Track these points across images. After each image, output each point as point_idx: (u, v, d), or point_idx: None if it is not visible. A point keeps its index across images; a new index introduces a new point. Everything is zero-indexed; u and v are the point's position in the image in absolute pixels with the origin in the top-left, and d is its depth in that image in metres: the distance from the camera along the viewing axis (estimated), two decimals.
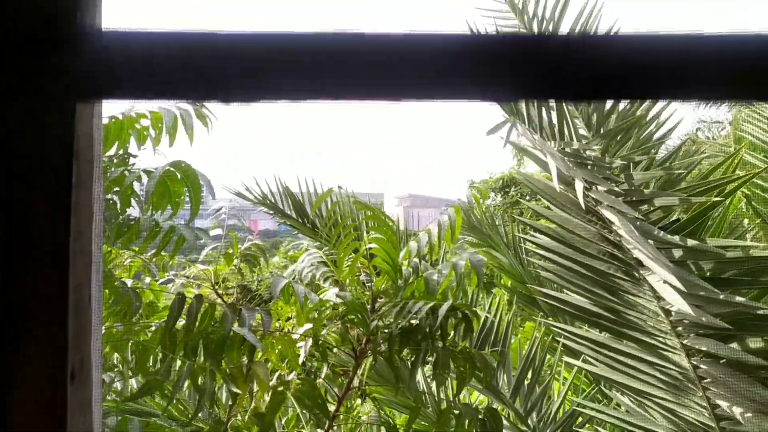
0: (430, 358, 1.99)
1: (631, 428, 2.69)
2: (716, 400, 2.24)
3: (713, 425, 2.32)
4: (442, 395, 3.44)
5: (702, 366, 2.22)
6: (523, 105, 2.07)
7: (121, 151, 1.70)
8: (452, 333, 1.87)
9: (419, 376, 3.00)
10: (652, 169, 2.40)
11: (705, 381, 2.23)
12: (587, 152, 2.09)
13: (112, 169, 1.64)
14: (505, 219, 4.59)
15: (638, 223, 2.07)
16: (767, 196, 3.96)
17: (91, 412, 0.71)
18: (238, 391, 1.60)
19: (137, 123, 1.74)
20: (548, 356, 3.81)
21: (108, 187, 1.61)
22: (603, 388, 3.63)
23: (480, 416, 1.89)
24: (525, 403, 3.48)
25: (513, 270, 4.33)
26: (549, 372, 3.78)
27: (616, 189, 1.95)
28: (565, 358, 3.82)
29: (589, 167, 1.96)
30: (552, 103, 1.92)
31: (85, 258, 0.70)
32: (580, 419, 3.45)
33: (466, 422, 1.87)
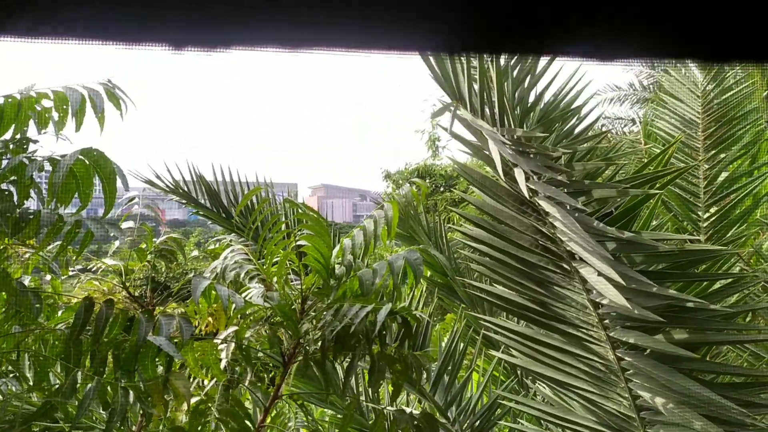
0: (361, 363, 1.88)
1: (549, 419, 2.69)
2: (638, 392, 2.25)
3: (633, 416, 2.34)
4: (363, 395, 3.35)
5: (626, 358, 2.23)
6: (465, 91, 1.98)
7: (18, 136, 1.49)
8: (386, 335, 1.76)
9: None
10: (582, 161, 2.38)
11: (628, 373, 2.24)
12: (527, 141, 2.03)
13: (8, 155, 1.43)
14: (420, 209, 4.55)
15: (577, 214, 2.03)
16: (678, 191, 4.10)
17: None
18: (152, 411, 1.42)
19: (38, 104, 1.52)
20: (468, 347, 3.80)
21: (3, 176, 1.40)
22: (525, 379, 3.66)
23: (415, 422, 1.79)
24: (445, 395, 3.46)
25: (433, 260, 4.30)
26: (469, 364, 3.78)
27: (559, 179, 1.89)
28: (488, 351, 3.82)
29: (531, 156, 1.89)
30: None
31: None
32: (499, 410, 3.46)
33: (401, 429, 1.77)
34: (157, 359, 1.49)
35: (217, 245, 2.26)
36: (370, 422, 3.39)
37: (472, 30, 0.43)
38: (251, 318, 1.77)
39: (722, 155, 4.14)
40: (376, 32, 0.43)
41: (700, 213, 4.14)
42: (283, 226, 1.88)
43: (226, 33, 0.38)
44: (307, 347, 1.78)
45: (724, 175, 4.11)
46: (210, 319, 1.92)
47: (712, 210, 4.11)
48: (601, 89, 13.00)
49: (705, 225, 4.10)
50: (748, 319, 3.40)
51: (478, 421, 3.47)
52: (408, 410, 1.86)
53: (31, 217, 1.43)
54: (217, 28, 0.38)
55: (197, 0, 0.35)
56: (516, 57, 2.12)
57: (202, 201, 3.63)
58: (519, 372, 3.76)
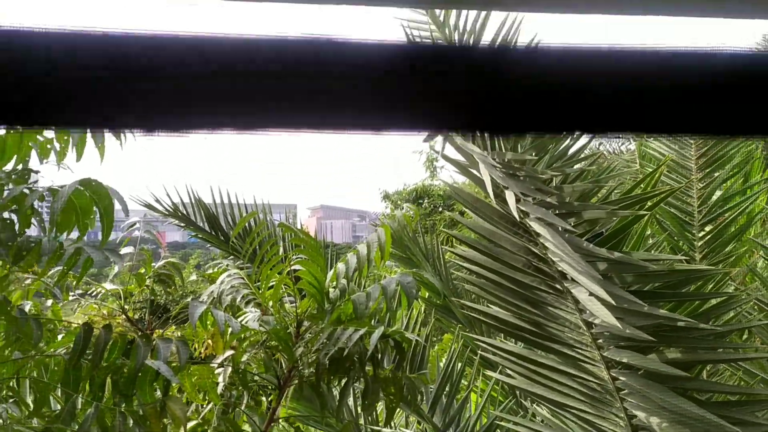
0: (357, 384, 1.91)
1: None
2: (633, 411, 2.27)
3: None
4: (362, 417, 3.37)
5: (621, 378, 2.25)
6: None
7: (20, 166, 1.53)
8: (380, 358, 1.79)
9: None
10: (572, 183, 2.42)
11: (623, 392, 2.26)
12: (517, 164, 2.07)
13: (9, 185, 1.47)
14: (418, 230, 4.58)
15: (567, 235, 2.07)
16: (672, 211, 4.13)
17: None
18: None
19: (39, 135, 1.57)
20: (466, 368, 3.82)
21: (5, 206, 1.44)
22: (521, 399, 3.67)
23: None
24: (443, 416, 3.47)
25: (430, 282, 4.32)
26: (467, 384, 3.79)
27: (548, 200, 1.93)
28: (486, 371, 3.84)
29: (521, 178, 1.93)
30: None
31: None
32: (498, 431, 3.47)
33: None
34: (154, 383, 1.52)
35: (215, 269, 2.30)
36: None
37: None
38: (248, 342, 1.81)
39: (716, 174, 4.18)
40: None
41: (694, 232, 4.17)
42: (280, 250, 1.92)
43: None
44: (303, 370, 1.81)
45: (717, 194, 4.15)
46: (210, 341, 1.94)
47: (707, 228, 4.14)
48: None
49: (700, 244, 4.13)
50: (744, 337, 3.43)
51: None
52: None
53: (33, 245, 1.47)
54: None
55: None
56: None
57: (201, 224, 3.67)
58: (517, 393, 3.77)
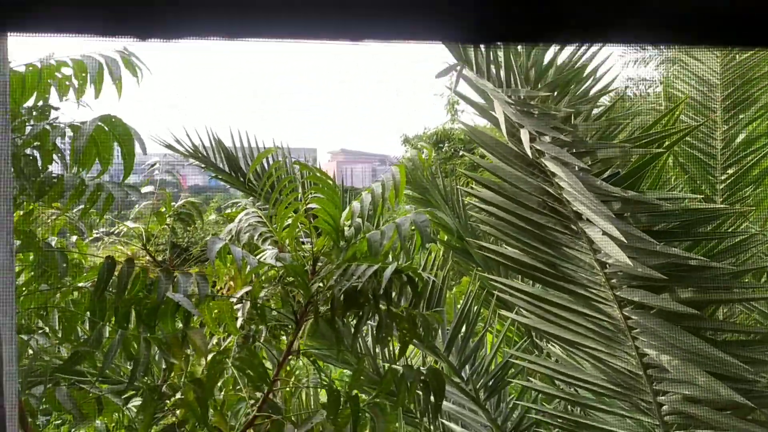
0: (371, 322, 1.96)
1: (561, 377, 2.76)
2: (645, 349, 2.30)
3: (640, 373, 2.40)
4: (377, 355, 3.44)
5: (633, 317, 2.28)
6: (471, 51, 2.01)
7: (40, 103, 1.56)
8: (395, 295, 1.83)
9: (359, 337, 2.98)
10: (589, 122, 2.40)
11: (635, 331, 2.29)
12: (533, 101, 2.06)
13: (31, 122, 1.50)
14: (438, 174, 4.58)
15: (582, 174, 2.07)
16: (695, 153, 4.08)
17: (0, 386, 0.63)
18: (175, 360, 1.52)
19: (58, 72, 1.59)
20: (482, 309, 3.87)
21: (28, 143, 1.48)
22: (536, 339, 3.73)
23: (422, 377, 1.87)
24: (459, 356, 3.54)
25: (445, 221, 4.35)
26: (483, 325, 3.84)
27: (563, 138, 1.92)
28: (500, 311, 3.89)
29: (535, 116, 1.92)
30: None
31: None
32: (512, 370, 3.54)
33: (409, 384, 1.85)
34: (176, 315, 1.58)
35: (233, 209, 2.34)
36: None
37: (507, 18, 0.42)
38: (264, 278, 1.85)
39: (740, 116, 4.11)
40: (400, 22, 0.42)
41: (717, 175, 4.12)
42: (299, 188, 1.95)
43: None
44: (318, 306, 1.86)
45: (741, 136, 4.08)
46: (231, 282, 1.99)
47: (730, 171, 4.09)
48: (625, 50, 12.74)
49: (722, 187, 4.09)
50: (762, 279, 3.42)
51: (492, 380, 3.56)
52: (416, 366, 1.94)
53: (55, 181, 1.51)
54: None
55: None
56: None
57: (221, 166, 3.70)
58: (532, 333, 3.83)
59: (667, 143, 2.14)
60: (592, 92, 2.76)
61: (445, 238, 4.53)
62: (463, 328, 3.56)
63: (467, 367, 3.59)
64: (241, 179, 3.67)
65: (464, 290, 4.91)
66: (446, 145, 12.72)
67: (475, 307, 3.70)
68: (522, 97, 1.87)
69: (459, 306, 3.64)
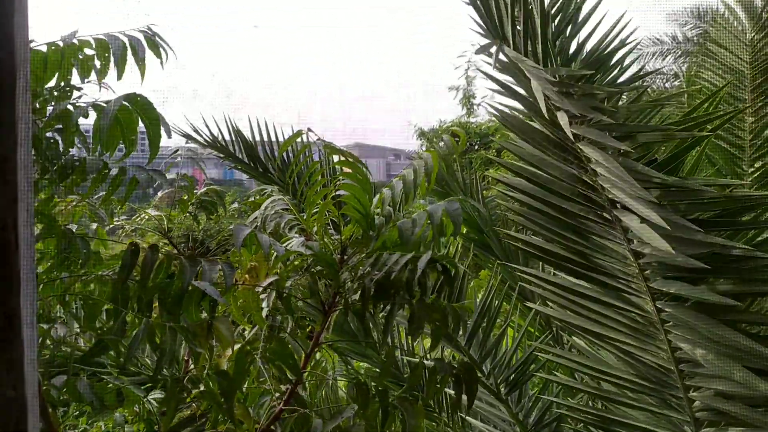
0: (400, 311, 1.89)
1: (585, 371, 2.69)
2: (678, 343, 2.23)
3: (672, 368, 2.32)
4: (399, 346, 3.38)
5: (667, 309, 2.20)
6: (509, 30, 1.93)
7: (62, 83, 1.50)
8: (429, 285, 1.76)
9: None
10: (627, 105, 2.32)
11: (668, 324, 2.21)
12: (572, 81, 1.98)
13: (53, 103, 1.45)
14: (456, 166, 4.53)
15: (621, 159, 1.99)
16: (722, 144, 3.99)
17: (22, 375, 0.58)
18: (201, 350, 1.46)
19: (80, 51, 1.53)
20: (503, 304, 3.81)
21: (49, 124, 1.42)
22: (559, 333, 3.66)
23: (454, 371, 1.81)
24: (480, 349, 3.49)
25: (469, 216, 4.30)
26: (503, 320, 3.79)
27: (605, 119, 1.84)
28: (523, 304, 3.82)
29: (575, 97, 1.84)
30: None
31: (8, 190, 0.55)
32: (534, 365, 3.49)
33: (440, 377, 1.79)
34: (201, 304, 1.52)
35: (257, 197, 2.28)
36: (406, 375, 3.43)
37: None
38: (291, 267, 1.79)
39: None
40: None
41: (744, 167, 4.03)
42: (321, 176, 1.88)
43: None
44: (347, 297, 1.80)
45: None
46: (246, 276, 1.93)
47: (757, 164, 4.00)
48: (642, 43, 12.61)
49: (750, 180, 3.99)
50: None
51: (513, 374, 3.50)
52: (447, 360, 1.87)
53: (77, 164, 1.46)
54: None
55: None
56: None
57: (240, 156, 3.66)
58: (554, 327, 3.76)
59: (709, 127, 2.05)
60: (618, 82, 2.69)
61: (464, 230, 4.47)
62: (484, 322, 3.50)
63: (488, 361, 3.54)
64: (260, 169, 3.62)
65: (482, 284, 4.85)
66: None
67: (496, 301, 3.65)
68: (561, 77, 1.79)
69: (480, 299, 3.58)
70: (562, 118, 1.70)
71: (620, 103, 2.47)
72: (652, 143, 1.99)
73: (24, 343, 0.56)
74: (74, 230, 1.85)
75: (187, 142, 3.02)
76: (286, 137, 3.69)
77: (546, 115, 1.71)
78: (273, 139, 3.66)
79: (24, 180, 0.58)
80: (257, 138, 3.67)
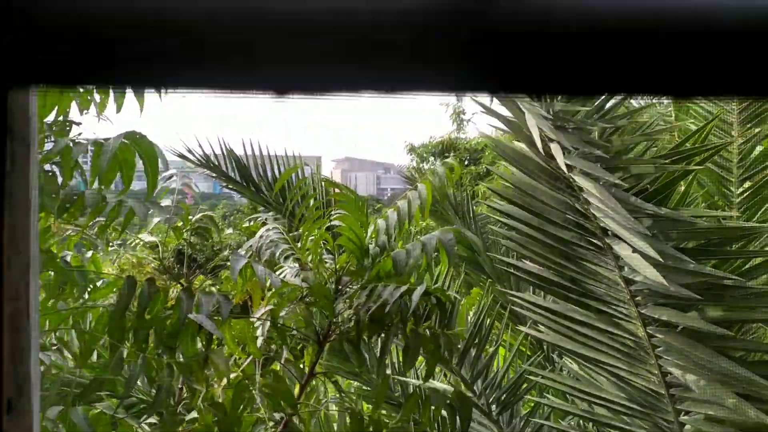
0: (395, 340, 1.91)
1: (576, 394, 2.71)
2: (668, 368, 2.25)
3: (663, 392, 2.34)
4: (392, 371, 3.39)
5: (658, 335, 2.22)
6: None
7: (61, 118, 1.51)
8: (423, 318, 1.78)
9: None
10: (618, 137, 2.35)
11: (659, 349, 2.23)
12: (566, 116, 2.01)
13: (51, 138, 1.46)
14: (448, 185, 4.53)
15: (613, 190, 2.02)
16: (710, 166, 4.03)
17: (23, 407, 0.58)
18: (197, 386, 1.47)
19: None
20: (495, 323, 3.82)
21: (48, 157, 1.43)
22: (551, 354, 3.67)
23: (448, 401, 1.82)
24: (471, 369, 3.49)
25: (461, 236, 4.31)
26: (494, 339, 3.79)
27: (598, 153, 1.87)
28: (514, 326, 3.83)
29: (569, 131, 1.87)
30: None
31: (21, 261, 0.57)
32: (525, 385, 3.49)
33: (433, 408, 1.80)
34: (197, 336, 1.53)
35: (251, 223, 2.29)
36: (396, 394, 3.44)
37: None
38: (287, 297, 1.80)
39: (757, 129, 4.06)
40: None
41: (732, 188, 4.06)
42: (318, 206, 1.90)
43: None
44: (342, 326, 1.81)
45: (758, 149, 4.03)
46: (250, 292, 1.94)
47: (746, 185, 4.04)
48: None
49: (738, 201, 4.03)
50: None
51: (504, 395, 3.51)
52: (440, 386, 1.89)
53: (75, 198, 1.47)
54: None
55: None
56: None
57: (232, 175, 3.68)
58: (545, 348, 3.77)
59: (697, 159, 2.09)
60: (607, 105, 2.73)
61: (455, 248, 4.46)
62: (475, 342, 3.51)
63: (479, 381, 3.54)
64: (253, 188, 3.63)
65: (473, 302, 4.85)
66: (452, 154, 12.72)
67: (488, 321, 3.65)
68: (555, 111, 1.82)
69: (471, 318, 3.59)
70: (557, 152, 1.74)
71: (624, 121, 2.50)
72: (644, 174, 2.03)
73: (34, 412, 0.56)
74: (68, 258, 1.86)
75: (182, 168, 3.03)
76: (278, 155, 3.72)
77: (541, 149, 1.74)
78: (265, 153, 3.68)
79: (34, 247, 0.59)
80: (249, 154, 3.69)
